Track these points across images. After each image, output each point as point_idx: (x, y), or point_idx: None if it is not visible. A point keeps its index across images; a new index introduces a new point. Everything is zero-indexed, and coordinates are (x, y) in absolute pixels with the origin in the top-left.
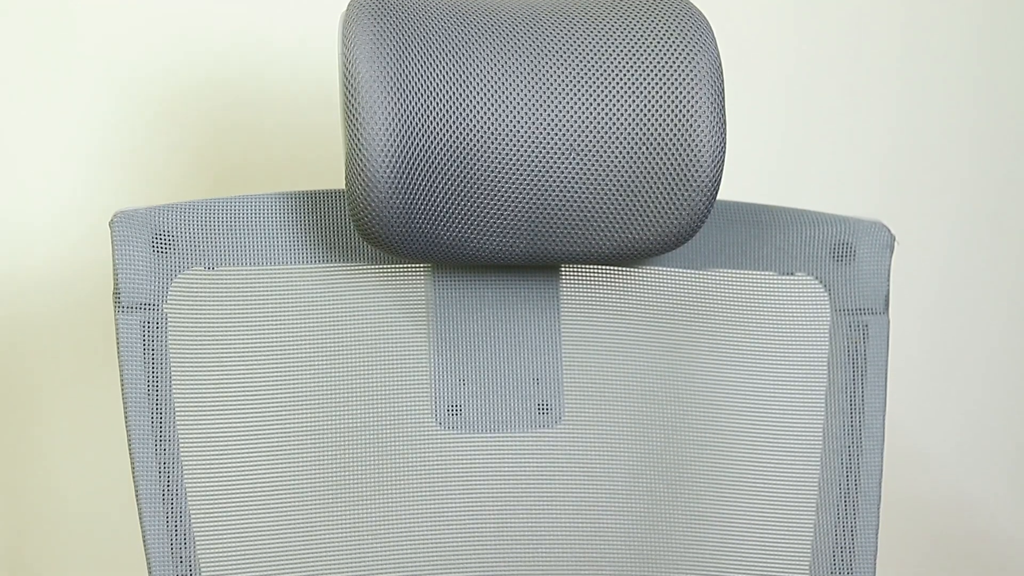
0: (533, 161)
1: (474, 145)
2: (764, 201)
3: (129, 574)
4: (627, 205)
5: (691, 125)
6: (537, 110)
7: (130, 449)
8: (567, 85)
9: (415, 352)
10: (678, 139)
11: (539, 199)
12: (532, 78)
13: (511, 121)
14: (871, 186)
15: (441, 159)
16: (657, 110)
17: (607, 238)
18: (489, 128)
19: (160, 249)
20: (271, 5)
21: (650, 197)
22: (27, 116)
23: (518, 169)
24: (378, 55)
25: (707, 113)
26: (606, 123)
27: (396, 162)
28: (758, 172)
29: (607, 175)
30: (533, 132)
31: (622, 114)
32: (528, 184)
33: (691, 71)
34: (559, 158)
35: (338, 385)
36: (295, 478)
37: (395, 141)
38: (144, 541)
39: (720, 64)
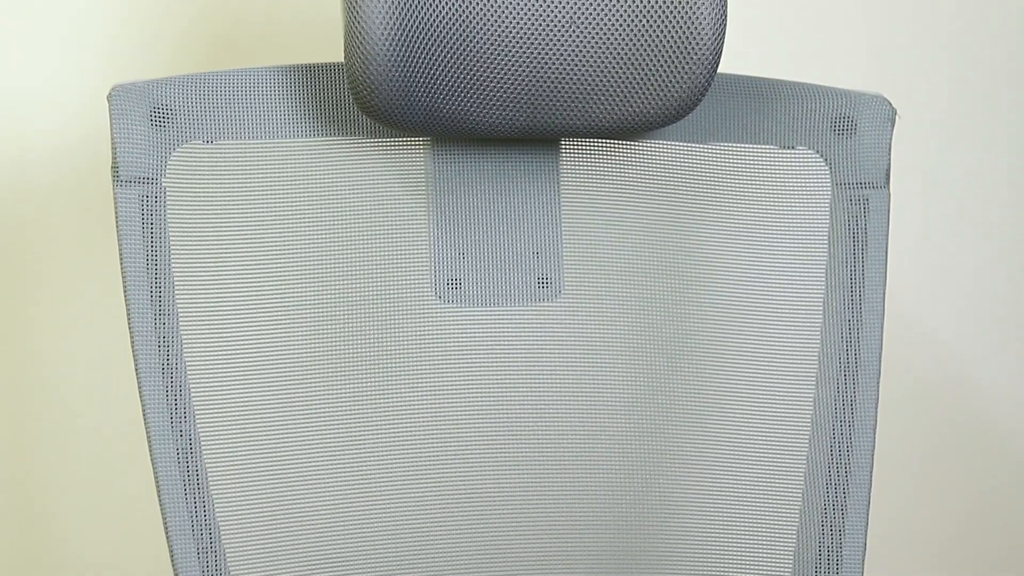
0: (532, 31)
1: (472, 16)
2: (765, 75)
3: (128, 446)
4: (627, 77)
5: None
6: None
7: (129, 322)
8: None
9: (414, 226)
10: (678, 10)
11: (538, 70)
12: None
13: None
14: (870, 59)
15: (439, 30)
16: None
17: (607, 110)
18: None
19: (158, 123)
20: None
21: (650, 69)
22: None
23: (517, 40)
24: None
25: None
26: None
27: (395, 34)
28: (759, 45)
29: (606, 46)
30: (532, 2)
31: None
32: (527, 55)
33: None
34: (558, 28)
35: (338, 258)
36: (295, 350)
37: (393, 13)
38: (144, 414)
39: None
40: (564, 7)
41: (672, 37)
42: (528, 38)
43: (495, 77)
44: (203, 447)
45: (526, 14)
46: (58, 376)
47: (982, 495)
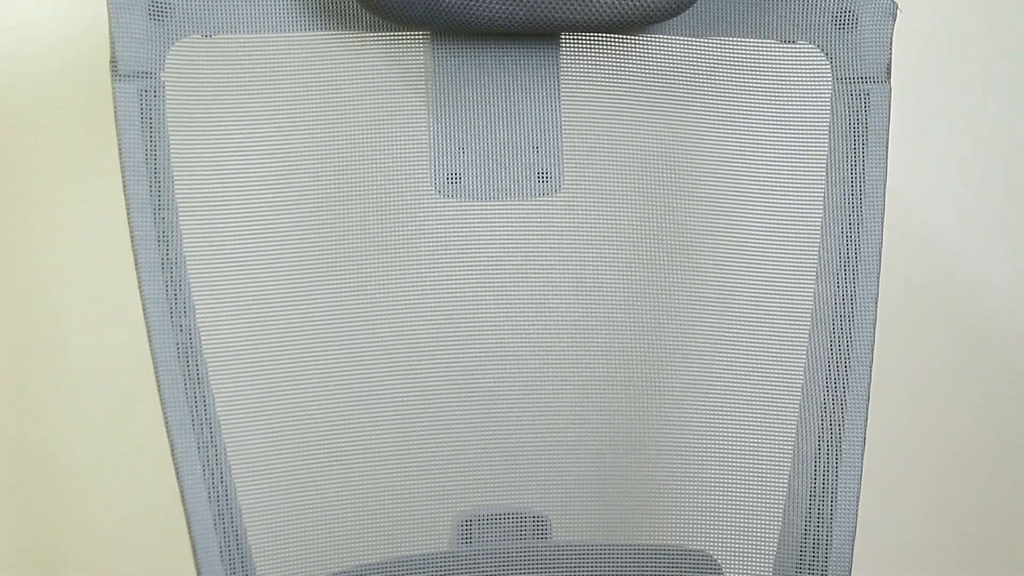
0: None
1: None
2: None
3: (129, 339)
4: None
5: None
6: None
7: (128, 217)
8: None
9: (414, 120)
10: None
11: None
12: None
13: None
14: None
15: None
16: None
17: (606, 3)
18: None
19: (157, 16)
20: None
21: None
22: None
23: None
24: None
25: None
26: None
27: None
28: None
29: None
30: None
31: None
32: None
33: None
34: None
35: (337, 152)
36: (295, 243)
37: None
38: (144, 308)
39: None
40: None
41: None
42: None
43: None
44: (203, 341)
45: None
46: (56, 270)
47: (982, 391)
